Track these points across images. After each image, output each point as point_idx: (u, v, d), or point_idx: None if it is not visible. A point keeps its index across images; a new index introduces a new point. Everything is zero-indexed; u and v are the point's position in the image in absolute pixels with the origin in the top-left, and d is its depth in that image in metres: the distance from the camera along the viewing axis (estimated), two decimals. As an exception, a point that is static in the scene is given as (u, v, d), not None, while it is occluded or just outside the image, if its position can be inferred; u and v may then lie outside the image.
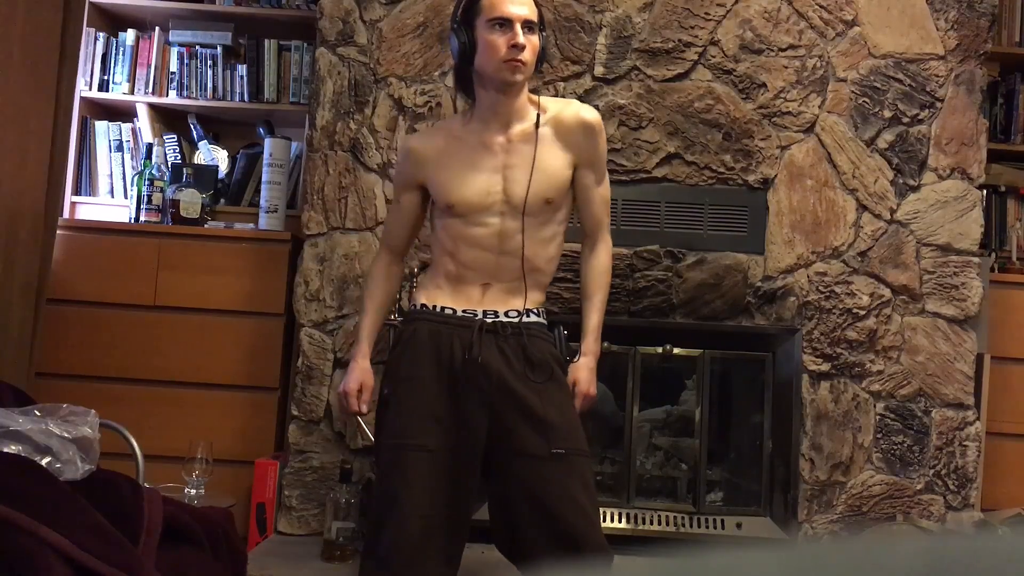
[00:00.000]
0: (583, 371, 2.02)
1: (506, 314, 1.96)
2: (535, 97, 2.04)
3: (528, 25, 1.93)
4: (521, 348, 1.94)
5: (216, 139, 3.52)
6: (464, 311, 1.96)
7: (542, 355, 1.96)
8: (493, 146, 1.97)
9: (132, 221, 3.29)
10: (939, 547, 0.42)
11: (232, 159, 3.48)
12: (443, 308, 1.97)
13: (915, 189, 2.99)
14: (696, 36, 2.99)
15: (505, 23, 1.91)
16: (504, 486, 1.94)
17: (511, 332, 1.95)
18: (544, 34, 1.99)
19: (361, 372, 2.08)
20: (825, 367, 2.95)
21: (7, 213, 2.89)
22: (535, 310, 2.01)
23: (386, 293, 2.15)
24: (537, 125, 1.97)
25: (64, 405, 1.99)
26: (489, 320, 1.95)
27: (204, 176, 3.34)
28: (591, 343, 2.05)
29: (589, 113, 2.03)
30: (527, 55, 1.92)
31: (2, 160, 2.87)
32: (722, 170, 2.98)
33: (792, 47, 3.00)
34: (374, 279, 2.14)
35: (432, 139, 2.06)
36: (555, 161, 1.98)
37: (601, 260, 2.09)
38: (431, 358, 1.94)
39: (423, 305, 2.00)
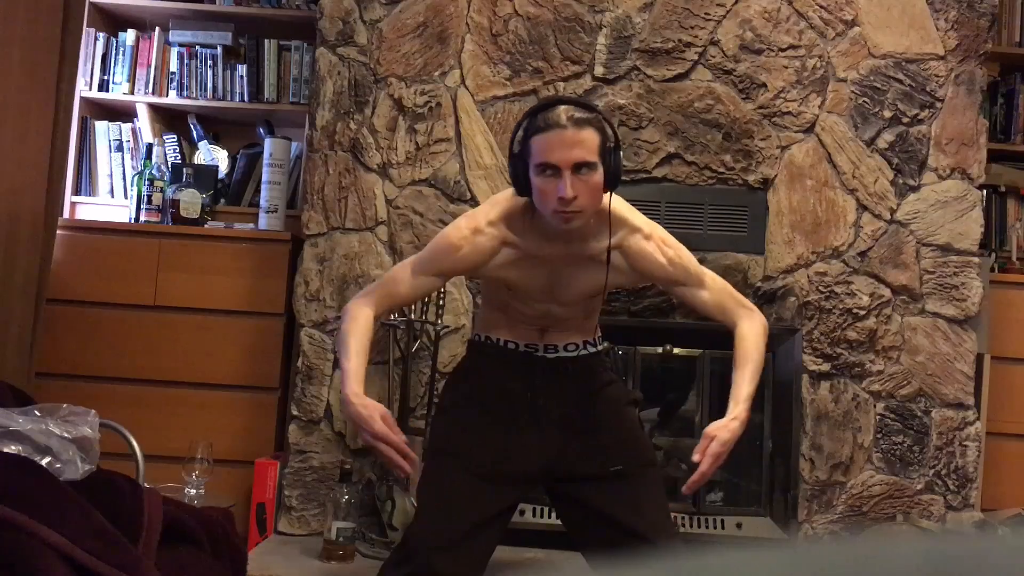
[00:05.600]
0: (721, 429, 1.89)
1: (565, 348, 1.99)
2: (603, 206, 1.86)
3: (580, 167, 1.74)
4: (580, 381, 1.99)
5: (216, 139, 3.52)
6: (527, 345, 1.98)
7: (598, 384, 2.01)
8: (553, 260, 1.88)
9: (132, 221, 3.29)
10: (939, 547, 0.42)
11: (232, 159, 3.48)
12: (506, 342, 1.99)
13: (915, 189, 2.99)
14: (696, 36, 2.99)
15: (553, 169, 1.75)
16: (576, 512, 2.01)
17: (571, 368, 1.98)
18: (616, 154, 1.80)
19: (374, 405, 1.80)
20: (825, 367, 2.95)
21: (7, 213, 2.89)
22: (592, 340, 2.04)
23: (368, 342, 1.88)
24: (608, 257, 1.85)
25: (64, 405, 1.99)
26: (550, 356, 1.98)
27: (204, 176, 3.34)
28: (740, 408, 1.90)
29: (665, 247, 1.91)
30: (580, 203, 1.75)
31: (2, 160, 2.87)
32: (722, 170, 2.98)
33: (792, 47, 3.00)
34: (358, 326, 1.85)
35: (486, 246, 1.87)
36: (614, 279, 1.92)
37: (752, 330, 1.94)
38: (495, 388, 1.98)
39: (487, 337, 2.02)
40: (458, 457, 1.95)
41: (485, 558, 1.97)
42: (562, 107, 1.77)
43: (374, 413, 1.75)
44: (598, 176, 1.77)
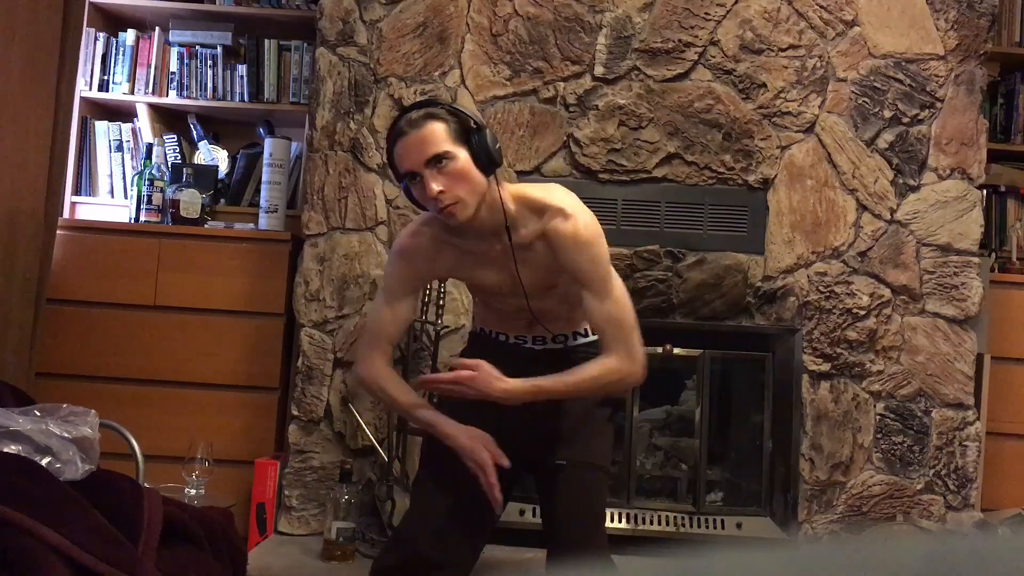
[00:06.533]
0: (490, 377, 1.80)
1: (553, 339, 2.00)
2: (516, 191, 1.85)
3: (436, 161, 1.73)
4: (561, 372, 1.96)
5: (216, 139, 3.52)
6: (516, 337, 2.00)
7: None
8: (491, 252, 1.88)
9: (132, 221, 3.29)
10: (939, 547, 0.42)
11: (232, 159, 3.48)
12: (497, 334, 2.02)
13: (915, 189, 2.99)
14: (696, 36, 2.99)
15: (416, 176, 1.76)
16: (540, 502, 2.06)
17: (557, 360, 1.97)
18: (479, 135, 1.77)
19: (479, 435, 1.87)
20: (825, 367, 2.95)
21: (7, 213, 2.89)
22: (583, 331, 2.03)
23: (404, 386, 1.99)
24: (510, 238, 1.82)
25: (64, 405, 1.99)
26: (538, 347, 1.99)
27: (204, 176, 3.34)
28: (521, 384, 1.81)
29: (576, 233, 1.81)
30: (453, 194, 1.73)
31: (2, 160, 2.87)
32: (722, 170, 2.98)
33: (792, 47, 3.00)
34: (388, 379, 1.95)
35: (426, 246, 1.90)
36: (551, 266, 1.88)
37: (611, 367, 1.83)
38: None
39: (482, 329, 2.07)
40: (447, 448, 1.96)
41: (474, 544, 1.97)
42: (403, 118, 1.78)
43: (476, 444, 1.85)
44: (460, 162, 1.74)
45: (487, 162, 1.77)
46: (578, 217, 1.82)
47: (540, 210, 1.83)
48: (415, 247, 1.91)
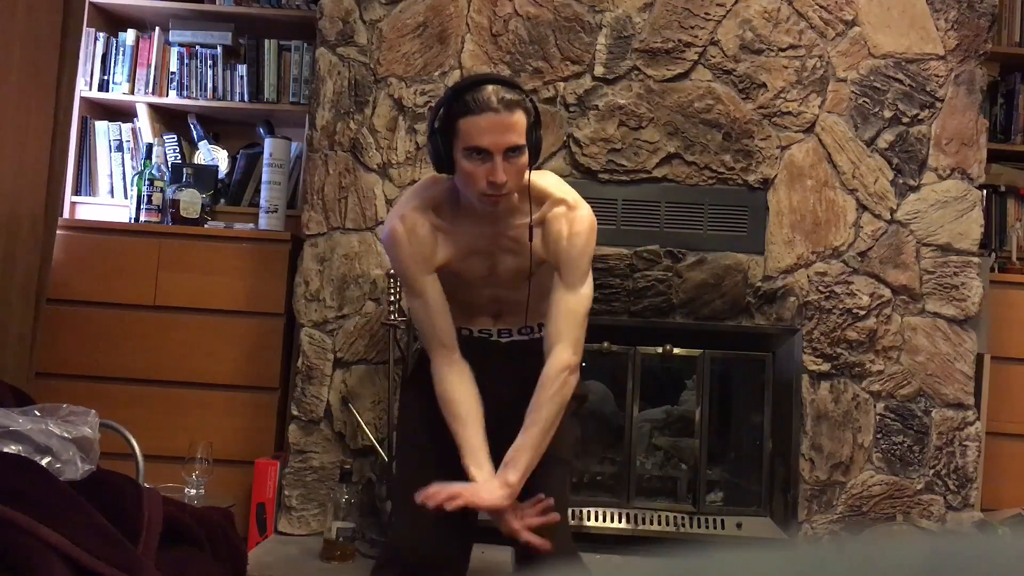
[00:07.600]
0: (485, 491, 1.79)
1: (519, 331, 1.98)
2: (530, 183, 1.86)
3: (512, 150, 1.74)
4: (532, 365, 1.92)
5: (216, 139, 3.52)
6: (480, 331, 1.97)
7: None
8: (482, 239, 1.88)
9: (132, 221, 3.29)
10: (939, 547, 0.42)
11: (232, 159, 3.48)
12: (459, 329, 1.95)
13: (915, 189, 2.99)
14: (696, 36, 2.99)
15: (484, 153, 1.73)
16: None
17: (525, 352, 1.96)
18: (537, 131, 1.80)
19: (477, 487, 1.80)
20: (825, 367, 2.95)
21: (7, 213, 2.89)
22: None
23: (471, 396, 1.89)
24: (531, 236, 1.84)
25: (64, 405, 1.99)
26: (504, 340, 1.97)
27: (204, 176, 3.34)
28: (514, 478, 1.79)
29: (573, 223, 1.86)
30: (509, 185, 1.75)
31: (2, 160, 2.87)
32: (722, 170, 2.98)
33: (792, 47, 3.00)
34: (448, 387, 1.88)
35: (425, 234, 1.87)
36: (536, 254, 1.90)
37: (553, 368, 1.84)
38: None
39: None
40: (422, 450, 1.94)
41: (465, 543, 1.96)
42: (491, 87, 1.74)
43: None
44: (525, 157, 1.77)
45: (534, 159, 1.80)
46: (580, 209, 1.87)
47: (542, 198, 1.86)
48: (415, 235, 1.86)
